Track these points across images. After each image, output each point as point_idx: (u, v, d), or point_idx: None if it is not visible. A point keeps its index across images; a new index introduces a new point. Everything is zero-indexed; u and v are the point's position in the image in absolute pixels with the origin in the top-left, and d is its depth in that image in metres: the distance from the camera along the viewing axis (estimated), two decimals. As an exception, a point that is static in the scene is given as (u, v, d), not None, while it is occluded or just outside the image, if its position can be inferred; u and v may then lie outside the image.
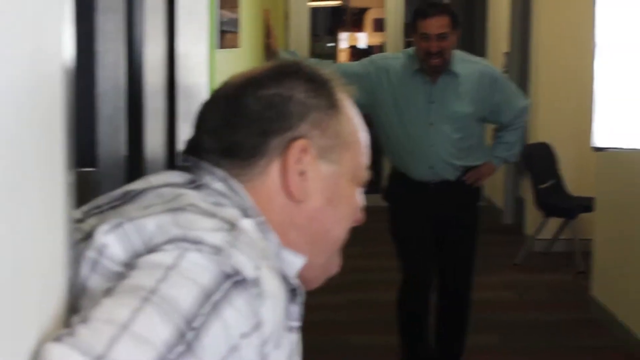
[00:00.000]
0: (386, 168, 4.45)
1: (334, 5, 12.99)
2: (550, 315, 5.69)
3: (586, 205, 6.26)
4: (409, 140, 4.17)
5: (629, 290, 5.15)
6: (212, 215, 1.09)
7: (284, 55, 4.16)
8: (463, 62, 4.16)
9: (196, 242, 1.02)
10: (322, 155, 1.21)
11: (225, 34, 3.44)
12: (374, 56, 4.45)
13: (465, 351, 4.48)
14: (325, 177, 1.21)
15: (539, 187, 6.81)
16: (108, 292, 0.97)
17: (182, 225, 1.05)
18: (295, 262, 1.19)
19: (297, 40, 8.67)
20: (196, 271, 0.98)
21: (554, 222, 6.96)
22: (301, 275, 1.22)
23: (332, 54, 12.30)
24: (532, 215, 7.22)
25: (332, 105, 1.24)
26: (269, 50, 4.14)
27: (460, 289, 4.41)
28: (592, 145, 3.78)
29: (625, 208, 5.24)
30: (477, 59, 4.32)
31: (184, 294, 0.96)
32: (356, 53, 12.75)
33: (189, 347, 0.93)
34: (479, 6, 9.42)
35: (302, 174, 1.18)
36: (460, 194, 4.24)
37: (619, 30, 3.64)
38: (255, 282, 1.01)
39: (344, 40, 13.26)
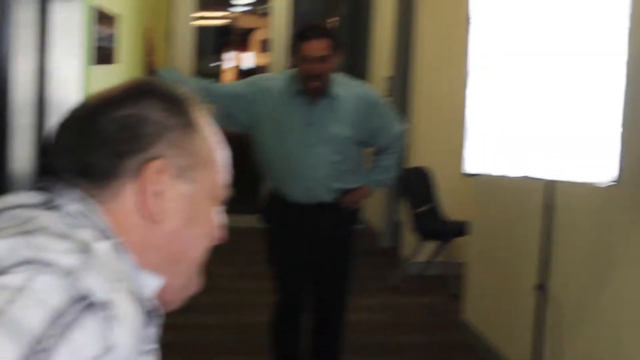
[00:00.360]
0: (264, 189, 4.45)
1: (220, 24, 12.95)
2: (423, 338, 5.78)
3: (460, 229, 6.40)
4: (288, 161, 4.18)
5: (499, 313, 5.27)
6: (65, 237, 1.07)
7: (163, 74, 4.14)
8: (343, 85, 4.21)
9: (47, 264, 1.00)
10: (180, 174, 1.20)
11: (103, 50, 3.39)
12: (255, 77, 4.46)
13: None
14: (184, 197, 1.20)
15: (415, 211, 6.92)
16: None
17: (34, 247, 1.03)
18: (152, 284, 1.19)
19: (181, 59, 8.62)
20: (46, 293, 0.97)
21: (430, 245, 7.08)
22: (160, 297, 1.21)
23: (217, 74, 12.24)
24: (408, 238, 7.33)
25: (189, 124, 1.22)
26: (149, 68, 4.12)
27: (335, 311, 4.44)
28: (462, 172, 3.86)
29: (497, 232, 5.37)
30: (357, 82, 4.37)
31: (33, 315, 0.95)
32: (242, 73, 12.74)
33: None
34: (362, 31, 9.55)
35: (158, 194, 1.18)
36: (336, 217, 4.27)
37: (492, 58, 3.74)
38: (107, 305, 1.00)
39: (230, 59, 13.23)
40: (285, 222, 4.29)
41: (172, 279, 1.22)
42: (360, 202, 4.39)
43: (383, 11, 8.75)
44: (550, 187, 3.92)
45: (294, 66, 4.17)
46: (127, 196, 1.17)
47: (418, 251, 7.10)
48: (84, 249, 1.06)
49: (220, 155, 1.28)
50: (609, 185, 3.57)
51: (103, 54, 3.39)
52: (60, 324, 0.95)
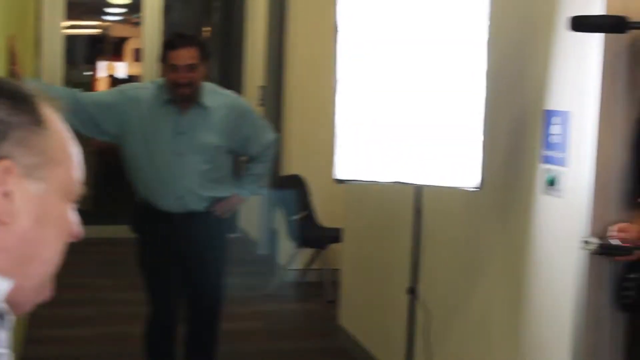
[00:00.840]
0: (136, 199, 4.40)
1: (92, 33, 12.76)
2: (300, 345, 5.82)
3: (335, 235, 6.46)
4: (157, 170, 4.16)
5: (373, 318, 5.35)
6: None
7: (28, 83, 4.06)
8: (213, 94, 4.21)
9: None
10: (29, 174, 1.16)
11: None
12: (123, 86, 4.43)
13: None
14: (34, 197, 1.16)
15: (291, 219, 6.96)
16: None
17: None
18: (1, 287, 1.14)
19: (51, 68, 8.44)
20: None
21: (306, 253, 7.14)
22: (10, 299, 1.16)
23: (88, 83, 12.06)
24: (285, 246, 7.37)
25: (37, 122, 1.18)
26: (13, 77, 4.03)
27: (209, 321, 4.43)
28: (333, 178, 3.91)
29: (369, 238, 5.46)
30: (227, 92, 4.38)
31: None
32: (115, 82, 12.58)
33: None
34: (235, 40, 9.55)
35: (7, 195, 1.14)
36: (208, 225, 4.27)
37: (360, 66, 3.81)
38: None
39: (103, 69, 13.05)
40: (156, 232, 4.27)
41: (24, 281, 1.18)
42: (232, 210, 4.40)
43: (255, 21, 8.78)
44: (419, 192, 4.01)
45: (163, 75, 4.16)
46: None
47: (294, 258, 7.15)
48: None
49: (73, 151, 1.24)
50: (474, 190, 3.69)
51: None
52: None
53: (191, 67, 4.03)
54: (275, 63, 8.04)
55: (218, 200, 4.26)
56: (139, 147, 4.15)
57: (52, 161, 1.19)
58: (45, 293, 1.25)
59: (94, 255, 8.25)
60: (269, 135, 4.43)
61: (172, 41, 4.10)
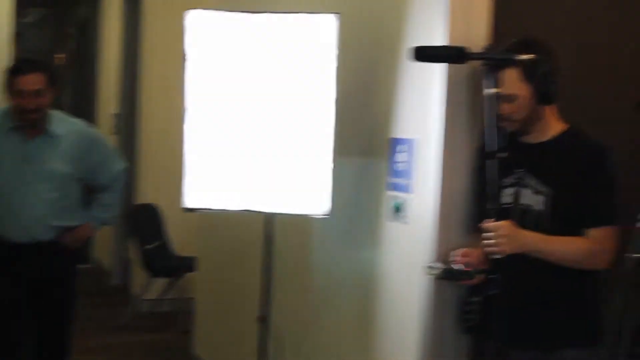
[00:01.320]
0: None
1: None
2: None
3: (189, 264, 6.40)
4: (3, 199, 4.04)
5: (226, 346, 5.32)
6: None
7: None
8: (61, 121, 4.14)
9: None
10: None
11: None
12: None
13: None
14: None
15: (145, 248, 6.86)
16: None
17: None
18: None
19: None
20: None
21: (161, 282, 7.04)
22: None
23: None
24: (139, 275, 7.25)
25: None
26: None
27: (57, 356, 4.32)
28: (182, 206, 3.89)
29: (222, 266, 5.43)
30: (76, 120, 4.30)
31: None
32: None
33: None
34: (89, 67, 9.40)
35: None
36: (56, 256, 4.17)
37: (208, 94, 3.81)
38: None
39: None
40: (2, 263, 4.14)
41: None
42: (82, 240, 4.31)
43: (109, 48, 8.67)
44: (269, 220, 4.02)
45: (9, 101, 4.05)
46: None
47: (148, 288, 7.04)
48: None
49: None
50: (323, 217, 3.72)
51: None
52: None
53: (38, 93, 3.95)
54: (129, 90, 7.94)
55: (67, 229, 4.17)
56: None
57: None
58: None
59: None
60: (119, 165, 4.38)
61: (17, 67, 4.02)
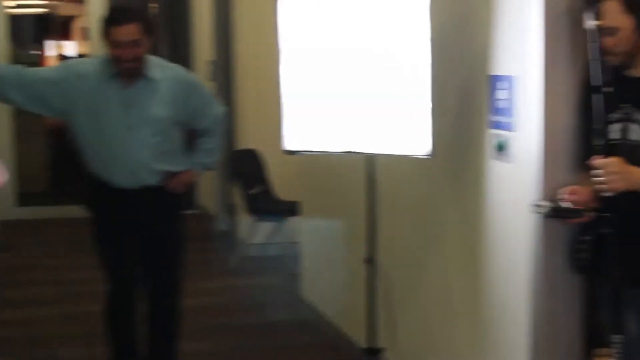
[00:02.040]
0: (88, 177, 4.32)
1: (39, 12, 12.56)
2: (263, 318, 5.83)
3: (293, 208, 6.45)
4: (107, 145, 4.10)
5: (334, 289, 5.36)
6: None
7: None
8: (160, 67, 4.15)
9: None
10: None
11: None
12: (68, 62, 4.39)
13: (180, 358, 4.47)
14: None
15: (248, 193, 6.93)
16: None
17: None
18: None
19: (-4, 47, 8.37)
20: None
21: (266, 227, 7.11)
22: None
23: (36, 62, 11.88)
24: (244, 220, 7.34)
25: None
26: None
27: (169, 297, 4.41)
28: (282, 149, 3.91)
29: (326, 210, 5.45)
30: (173, 65, 4.32)
31: None
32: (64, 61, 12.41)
33: None
34: (182, 15, 9.44)
35: None
36: (162, 201, 4.22)
37: (305, 36, 3.80)
38: None
39: (51, 48, 12.87)
40: (110, 209, 4.22)
41: None
42: (186, 185, 4.35)
43: (202, -5, 8.69)
44: (371, 162, 4.00)
45: (107, 51, 4.08)
46: None
47: (254, 233, 7.12)
48: None
49: None
50: (425, 158, 3.69)
51: None
52: None
53: (134, 43, 3.94)
54: (224, 37, 7.96)
55: (171, 175, 4.22)
56: (87, 123, 4.09)
57: None
58: None
59: (53, 236, 8.21)
60: (218, 108, 4.40)
61: (112, 17, 3.99)
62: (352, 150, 3.88)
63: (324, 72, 3.83)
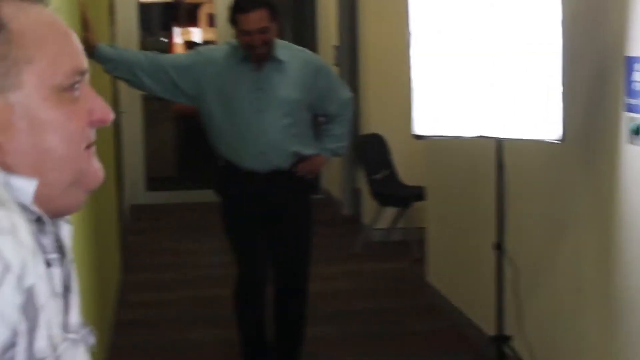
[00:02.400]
0: (218, 162, 4.38)
1: (167, 0, 12.84)
2: (388, 303, 5.82)
3: (419, 193, 6.41)
4: (239, 128, 4.15)
5: (461, 275, 5.31)
6: None
7: (103, 47, 4.10)
8: (288, 49, 4.20)
9: None
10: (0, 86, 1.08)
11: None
12: (199, 48, 4.49)
13: (305, 343, 4.50)
14: (14, 107, 1.09)
15: (372, 178, 6.93)
16: None
17: None
18: (26, 187, 1.08)
19: (126, 35, 8.53)
20: None
21: (390, 212, 7.10)
22: (53, 201, 1.12)
23: (165, 49, 12.16)
24: (368, 205, 7.34)
25: None
26: (87, 44, 4.06)
27: (296, 281, 4.43)
28: (412, 133, 3.89)
29: (453, 195, 5.40)
30: (300, 48, 4.36)
31: None
32: (191, 48, 12.65)
33: None
34: (308, 0, 9.50)
35: None
36: (292, 185, 4.24)
37: (435, 19, 3.76)
38: None
39: (178, 35, 13.13)
40: (240, 192, 4.27)
41: (49, 191, 1.11)
42: (316, 171, 4.37)
43: (327, -21, 8.71)
44: (500, 147, 3.94)
45: (237, 38, 4.14)
46: None
47: (379, 218, 7.12)
48: None
49: (51, 37, 1.13)
50: (556, 143, 3.61)
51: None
52: None
53: (263, 30, 3.99)
54: (349, 21, 7.97)
55: (301, 159, 4.24)
56: (218, 107, 4.16)
57: (21, 61, 1.10)
58: (91, 181, 1.18)
59: (181, 220, 8.39)
60: (346, 93, 4.40)
61: (240, 4, 4.04)
62: (483, 134, 3.83)
63: (454, 55, 3.80)
